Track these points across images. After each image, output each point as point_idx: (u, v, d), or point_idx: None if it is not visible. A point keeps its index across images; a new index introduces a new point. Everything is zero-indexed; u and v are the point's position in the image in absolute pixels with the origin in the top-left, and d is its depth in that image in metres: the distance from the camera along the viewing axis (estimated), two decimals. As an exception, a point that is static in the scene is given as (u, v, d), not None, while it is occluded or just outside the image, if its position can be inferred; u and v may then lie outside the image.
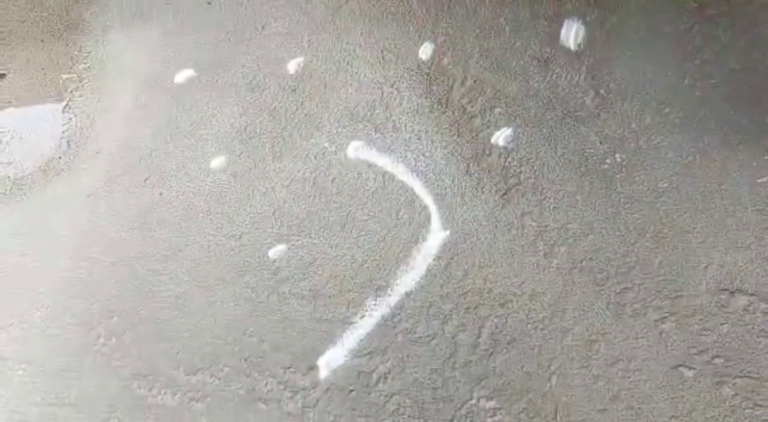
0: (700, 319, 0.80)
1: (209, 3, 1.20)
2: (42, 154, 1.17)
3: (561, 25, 0.97)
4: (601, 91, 0.92)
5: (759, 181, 0.82)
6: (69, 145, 1.17)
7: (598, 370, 0.82)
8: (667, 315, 0.81)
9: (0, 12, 1.36)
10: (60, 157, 1.16)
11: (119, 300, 1.01)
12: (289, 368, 0.92)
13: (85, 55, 1.25)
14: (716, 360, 0.79)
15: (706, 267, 0.82)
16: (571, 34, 0.96)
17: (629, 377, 0.80)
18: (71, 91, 1.23)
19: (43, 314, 1.03)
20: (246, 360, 0.94)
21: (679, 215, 0.84)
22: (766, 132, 0.84)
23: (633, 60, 0.92)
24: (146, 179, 1.09)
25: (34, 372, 1.00)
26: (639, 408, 0.80)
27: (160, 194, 1.07)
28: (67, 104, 1.21)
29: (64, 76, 1.24)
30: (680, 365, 0.79)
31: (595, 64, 0.94)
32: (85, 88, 1.22)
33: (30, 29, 1.33)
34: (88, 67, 1.24)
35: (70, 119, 1.19)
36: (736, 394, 0.78)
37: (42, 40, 1.30)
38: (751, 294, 0.79)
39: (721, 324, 0.79)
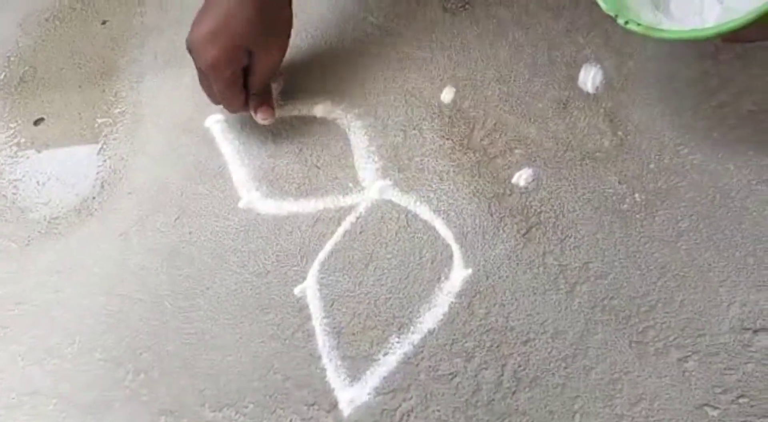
0: (724, 358, 0.80)
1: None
2: (77, 194, 1.22)
3: (579, 69, 1.00)
4: (619, 133, 0.94)
5: (779, 220, 0.83)
6: (103, 186, 1.21)
7: (621, 409, 0.82)
8: (690, 353, 0.81)
9: (41, 59, 1.42)
10: (94, 198, 1.20)
11: (148, 336, 1.04)
12: (312, 405, 0.93)
13: (120, 100, 1.31)
14: (741, 400, 0.78)
15: (728, 306, 0.82)
16: (589, 77, 0.98)
17: (653, 416, 0.80)
18: (106, 135, 1.27)
19: (74, 350, 1.06)
20: (271, 396, 0.95)
21: (700, 254, 0.85)
22: (785, 172, 0.85)
23: (650, 103, 0.94)
24: (176, 219, 1.12)
25: (64, 407, 1.02)
26: (664, 449, 0.80)
27: (190, 233, 1.10)
28: (101, 147, 1.26)
29: (100, 121, 1.30)
30: (705, 404, 0.79)
31: (613, 107, 0.96)
32: (119, 132, 1.27)
33: (68, 75, 1.39)
34: (123, 111, 1.29)
35: (105, 161, 1.24)
36: (763, 435, 0.77)
37: (79, 86, 1.36)
38: (775, 334, 0.79)
39: (745, 363, 0.79)
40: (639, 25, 0.73)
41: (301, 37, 1.20)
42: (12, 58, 1.42)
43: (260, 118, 1.00)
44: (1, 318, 1.11)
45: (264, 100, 0.99)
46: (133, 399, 0.99)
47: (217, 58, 0.83)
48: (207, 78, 0.91)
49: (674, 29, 0.73)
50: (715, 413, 0.77)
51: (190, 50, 0.87)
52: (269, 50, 0.89)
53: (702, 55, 0.94)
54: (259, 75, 0.92)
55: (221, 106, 1.14)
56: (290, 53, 1.20)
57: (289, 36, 0.95)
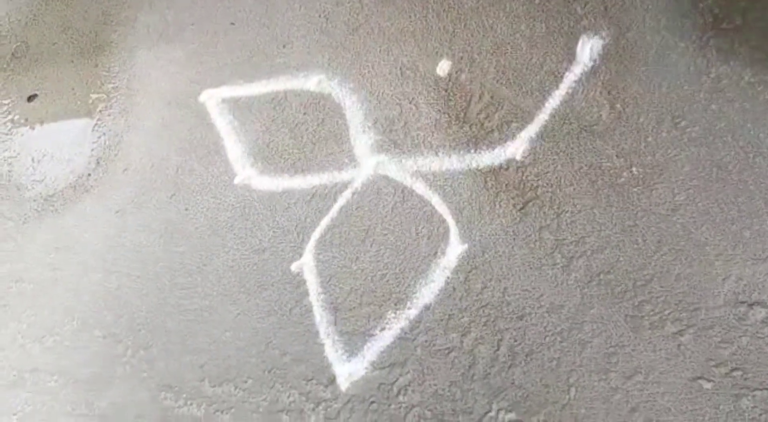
0: (719, 332, 0.80)
1: (232, 24, 1.23)
2: (72, 171, 1.21)
3: (577, 41, 0.99)
4: (617, 106, 0.93)
5: (776, 193, 0.83)
6: (98, 163, 1.20)
7: (616, 383, 0.82)
8: (685, 327, 0.81)
9: (33, 34, 1.41)
10: (89, 175, 1.20)
11: (146, 313, 1.04)
12: (311, 380, 0.94)
13: (113, 75, 1.29)
14: (735, 373, 0.79)
15: (724, 279, 0.82)
16: (587, 49, 0.97)
17: (647, 389, 0.81)
18: (100, 111, 1.27)
19: (73, 327, 1.07)
20: (269, 371, 0.96)
21: (697, 228, 0.85)
22: (783, 144, 0.84)
23: (648, 75, 0.93)
24: (172, 195, 1.12)
25: (65, 383, 1.03)
26: (657, 421, 0.80)
27: (186, 210, 1.10)
28: (96, 123, 1.25)
29: (93, 96, 1.29)
30: (699, 377, 0.79)
31: (611, 79, 0.95)
32: (113, 108, 1.26)
33: (61, 51, 1.37)
34: (116, 87, 1.28)
35: (99, 137, 1.23)
36: (755, 406, 0.78)
37: (72, 61, 1.35)
38: (770, 307, 0.79)
39: (740, 336, 0.79)
40: None
41: (294, 8, 1.18)
42: (3, 34, 1.40)
43: None
44: (1, 297, 1.11)
45: None
46: (133, 375, 1.00)
47: None
48: None
49: None
50: (709, 386, 0.78)
51: None
52: None
53: (700, 26, 0.92)
54: None
55: (216, 81, 1.13)
56: (283, 26, 1.18)
57: None
